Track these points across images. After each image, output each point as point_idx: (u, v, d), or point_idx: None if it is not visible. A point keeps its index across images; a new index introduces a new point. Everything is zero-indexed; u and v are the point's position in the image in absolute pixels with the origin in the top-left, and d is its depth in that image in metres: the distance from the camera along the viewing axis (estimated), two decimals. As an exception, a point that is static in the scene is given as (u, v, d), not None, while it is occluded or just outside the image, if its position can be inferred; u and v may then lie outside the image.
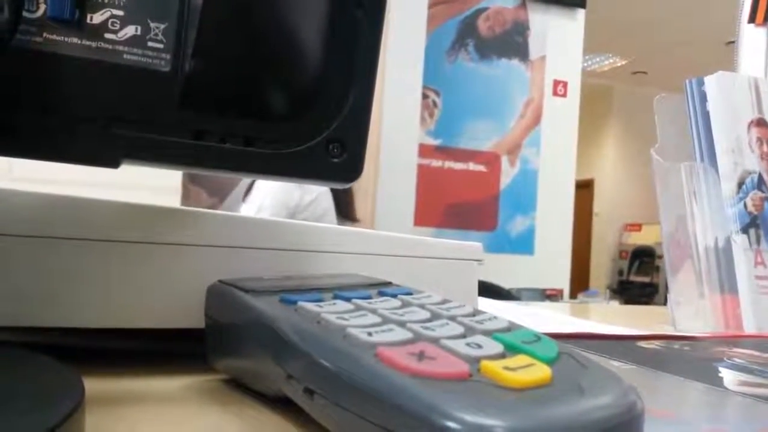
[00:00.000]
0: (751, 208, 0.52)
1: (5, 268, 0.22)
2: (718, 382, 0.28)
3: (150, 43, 0.19)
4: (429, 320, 0.18)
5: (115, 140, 0.19)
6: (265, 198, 1.44)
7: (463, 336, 0.17)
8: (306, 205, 1.48)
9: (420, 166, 2.28)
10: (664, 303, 0.75)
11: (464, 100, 2.34)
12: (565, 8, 2.46)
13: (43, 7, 0.18)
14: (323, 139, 0.22)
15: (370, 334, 0.16)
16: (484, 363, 0.15)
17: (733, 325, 0.49)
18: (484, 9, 2.36)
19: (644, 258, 5.53)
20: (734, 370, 0.32)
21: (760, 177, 0.53)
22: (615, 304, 2.99)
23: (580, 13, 2.48)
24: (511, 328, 0.18)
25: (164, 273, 0.24)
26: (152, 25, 0.19)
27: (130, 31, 0.19)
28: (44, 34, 0.18)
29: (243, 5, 0.20)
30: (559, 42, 2.45)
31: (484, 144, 2.37)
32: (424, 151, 2.29)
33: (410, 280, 0.24)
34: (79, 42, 0.18)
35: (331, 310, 0.18)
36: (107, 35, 0.19)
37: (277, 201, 1.44)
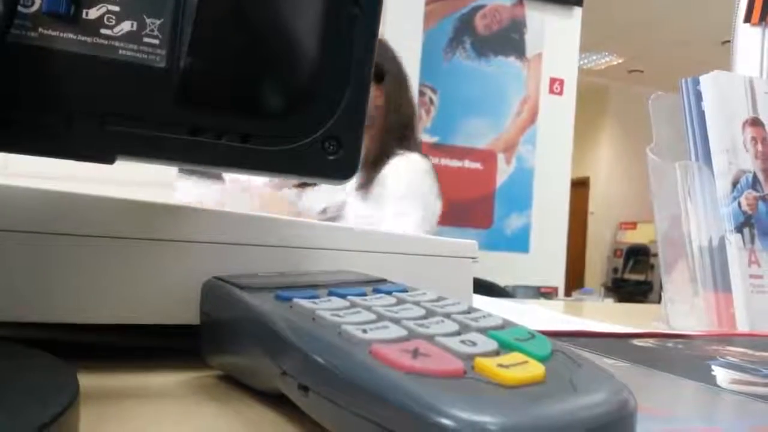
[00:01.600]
0: (745, 207, 0.52)
1: (0, 263, 0.22)
2: (711, 380, 0.28)
3: (146, 39, 0.19)
4: (424, 317, 0.18)
5: (111, 136, 0.19)
6: (417, 210, 1.17)
7: (458, 333, 0.17)
8: (438, 214, 1.26)
9: (416, 164, 2.28)
10: (659, 301, 0.76)
11: (461, 98, 2.34)
12: (562, 6, 2.46)
13: (38, 1, 0.18)
14: (319, 135, 0.22)
15: (364, 331, 0.16)
16: (479, 360, 0.15)
17: (726, 324, 0.50)
18: (482, 6, 2.36)
19: (639, 256, 5.55)
20: (727, 368, 0.32)
21: (755, 176, 0.53)
22: (609, 302, 3.00)
23: (577, 11, 2.48)
24: (506, 325, 0.18)
25: (160, 269, 0.24)
26: (148, 20, 0.19)
27: (125, 26, 0.19)
28: (39, 29, 0.18)
29: (239, 1, 0.20)
30: (556, 40, 2.45)
31: (480, 142, 2.37)
32: (420, 148, 2.29)
33: (405, 278, 0.24)
34: (75, 37, 0.18)
35: (325, 307, 0.18)
36: (103, 31, 0.19)
37: (430, 213, 1.20)
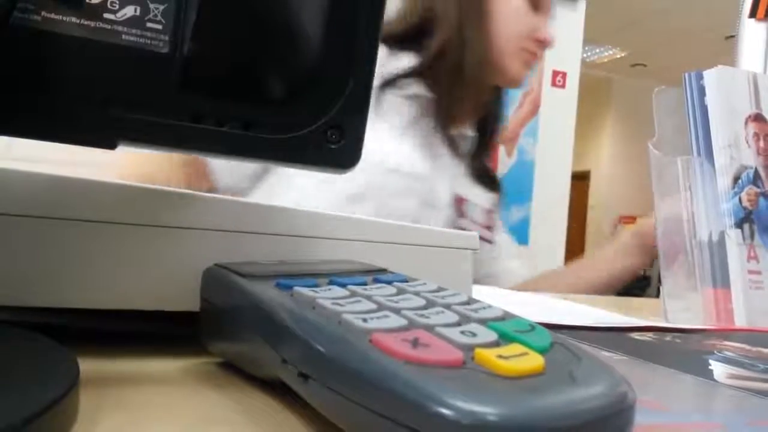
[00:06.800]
0: (745, 203, 0.52)
1: (2, 247, 0.22)
2: (708, 374, 0.29)
3: (149, 24, 0.19)
4: (424, 308, 0.18)
5: (113, 121, 0.19)
6: None
7: (458, 324, 0.17)
8: None
9: (417, 154, 2.27)
10: (657, 295, 0.76)
11: (463, 89, 2.33)
12: (566, -2, 2.44)
13: (41, -15, 0.18)
14: (321, 124, 0.22)
15: (365, 320, 0.16)
16: (478, 351, 0.15)
17: (724, 319, 0.50)
18: (485, -3, 2.35)
19: (638, 251, 5.54)
20: (724, 362, 0.32)
21: (756, 172, 0.53)
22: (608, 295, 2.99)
23: (581, 3, 2.46)
24: (506, 317, 0.18)
25: (161, 255, 0.24)
26: (151, 5, 0.19)
27: (129, 11, 0.19)
28: (42, 13, 0.18)
29: (243, -12, 0.20)
30: (559, 32, 2.43)
31: (481, 133, 2.36)
32: (421, 139, 2.28)
33: (406, 268, 0.24)
34: (78, 21, 0.18)
35: (326, 296, 0.18)
36: (106, 15, 0.19)
37: None
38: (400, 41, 0.81)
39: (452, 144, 0.82)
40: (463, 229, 0.79)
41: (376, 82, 0.78)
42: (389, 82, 0.79)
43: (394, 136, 0.78)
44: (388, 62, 0.80)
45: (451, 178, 0.82)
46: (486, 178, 0.85)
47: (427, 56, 0.79)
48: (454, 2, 0.79)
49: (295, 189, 0.75)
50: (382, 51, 0.79)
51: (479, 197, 0.84)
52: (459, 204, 0.81)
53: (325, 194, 0.74)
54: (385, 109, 0.78)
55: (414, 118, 0.80)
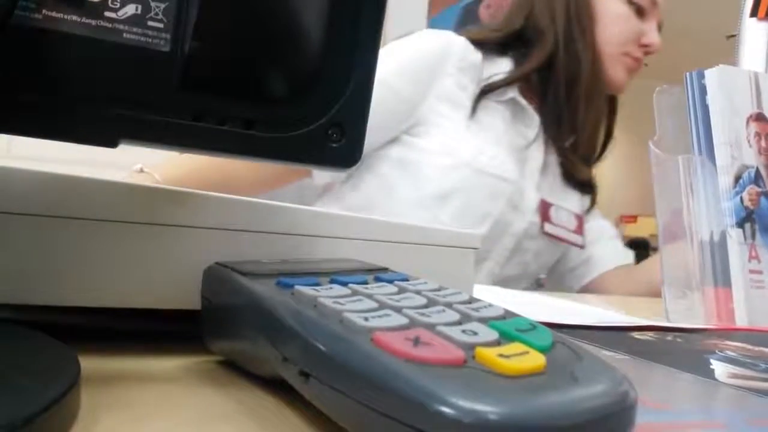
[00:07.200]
0: (747, 202, 0.52)
1: (3, 246, 0.22)
2: (709, 373, 0.29)
3: (150, 23, 0.19)
4: (425, 306, 0.18)
5: (114, 120, 0.19)
6: None
7: (459, 323, 0.17)
8: None
9: (418, 154, 2.27)
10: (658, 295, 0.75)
11: (464, 88, 2.33)
12: (567, -3, 2.44)
13: (42, -17, 0.18)
14: (323, 123, 0.22)
15: (366, 319, 0.16)
16: (479, 350, 0.15)
17: (725, 318, 0.50)
18: (486, -4, 2.35)
19: (639, 250, 5.54)
20: (725, 362, 0.32)
21: (758, 172, 0.53)
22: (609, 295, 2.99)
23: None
24: (507, 316, 0.18)
25: (162, 254, 0.24)
26: (153, 4, 0.19)
27: (130, 9, 0.19)
28: (43, 11, 0.18)
29: (245, -14, 0.20)
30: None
31: (482, 132, 2.36)
32: (422, 138, 2.28)
33: (407, 267, 0.24)
34: (79, 20, 0.18)
35: (327, 295, 0.18)
36: (107, 13, 0.19)
37: None
38: (500, 47, 0.83)
39: (562, 154, 0.84)
40: (549, 234, 0.82)
41: (474, 86, 0.79)
42: (487, 87, 0.80)
43: (489, 140, 0.79)
44: (485, 68, 0.81)
45: (540, 183, 0.83)
46: (584, 185, 0.88)
47: (537, 62, 0.81)
48: (563, 10, 0.81)
49: (378, 176, 0.77)
50: (477, 56, 0.81)
51: (569, 202, 0.86)
52: (545, 209, 0.82)
53: (411, 190, 0.76)
54: (480, 112, 0.80)
55: (508, 122, 0.82)
